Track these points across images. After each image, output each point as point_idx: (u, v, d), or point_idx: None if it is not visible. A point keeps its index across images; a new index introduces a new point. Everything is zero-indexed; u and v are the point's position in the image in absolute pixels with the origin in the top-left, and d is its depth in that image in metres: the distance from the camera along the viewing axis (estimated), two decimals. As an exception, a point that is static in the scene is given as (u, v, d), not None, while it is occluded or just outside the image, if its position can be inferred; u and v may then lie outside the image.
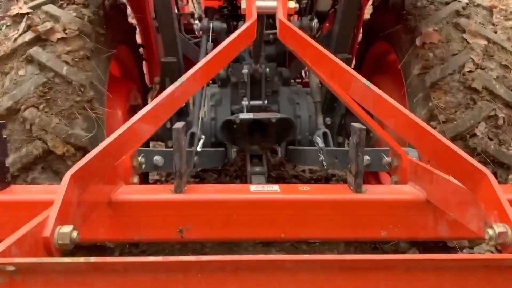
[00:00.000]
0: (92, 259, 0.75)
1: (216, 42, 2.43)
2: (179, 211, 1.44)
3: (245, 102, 2.41)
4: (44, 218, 1.00)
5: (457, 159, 1.19)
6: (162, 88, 2.36)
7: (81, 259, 0.75)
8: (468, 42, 1.96)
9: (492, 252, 2.48)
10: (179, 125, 1.46)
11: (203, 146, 2.08)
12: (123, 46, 2.53)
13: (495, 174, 1.89)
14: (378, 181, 2.69)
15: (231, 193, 1.48)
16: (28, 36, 1.96)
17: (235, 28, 2.81)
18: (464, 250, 2.18)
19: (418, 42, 2.06)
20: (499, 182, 1.86)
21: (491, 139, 1.88)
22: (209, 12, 3.18)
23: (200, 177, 3.46)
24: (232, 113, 2.48)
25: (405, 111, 1.29)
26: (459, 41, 1.98)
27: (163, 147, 2.82)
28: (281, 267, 0.79)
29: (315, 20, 2.44)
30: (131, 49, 2.70)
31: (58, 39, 1.95)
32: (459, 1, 2.06)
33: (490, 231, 1.04)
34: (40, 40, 1.95)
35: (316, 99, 2.56)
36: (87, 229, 1.29)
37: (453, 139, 1.87)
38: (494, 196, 1.09)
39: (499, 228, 1.03)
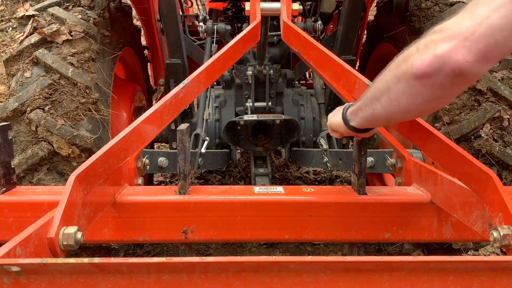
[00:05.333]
0: (96, 259, 0.75)
1: (220, 44, 2.44)
2: (183, 212, 1.44)
3: (249, 104, 2.41)
4: (49, 219, 1.01)
5: (462, 160, 1.18)
6: (167, 90, 2.37)
7: (86, 260, 0.75)
8: (472, 43, 1.95)
9: (497, 254, 2.47)
10: (183, 126, 1.47)
11: (208, 147, 2.08)
12: (128, 48, 2.55)
13: (500, 175, 1.88)
14: (382, 183, 2.68)
15: (235, 194, 1.48)
16: (34, 38, 1.97)
17: (240, 30, 2.82)
18: (469, 252, 2.17)
19: (422, 43, 2.06)
20: (504, 184, 1.86)
21: (496, 141, 1.87)
22: (213, 14, 3.20)
23: (204, 178, 3.47)
24: (236, 115, 2.48)
25: (409, 112, 1.29)
26: (463, 42, 1.97)
27: (167, 148, 2.83)
28: (285, 268, 0.79)
29: (319, 22, 2.44)
30: (136, 51, 2.71)
31: (64, 41, 1.96)
32: (464, 2, 2.06)
33: (495, 233, 1.04)
34: (46, 42, 1.96)
35: (320, 100, 2.56)
36: (92, 230, 1.30)
37: (457, 141, 1.86)
38: (499, 197, 1.08)
39: (504, 230, 1.03)
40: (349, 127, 1.26)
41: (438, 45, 0.89)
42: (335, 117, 1.33)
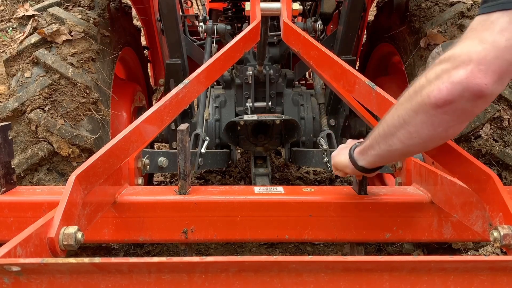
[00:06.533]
0: (97, 259, 0.75)
1: (220, 44, 2.44)
2: (183, 212, 1.44)
3: (249, 104, 2.41)
4: (49, 219, 1.01)
5: (462, 160, 1.18)
6: (167, 90, 2.37)
7: (86, 260, 0.75)
8: (472, 44, 1.95)
9: (497, 254, 2.47)
10: (183, 126, 1.47)
11: (208, 147, 2.08)
12: (128, 48, 2.55)
13: (500, 175, 1.88)
14: (382, 183, 2.69)
15: (235, 194, 1.48)
16: (34, 38, 1.97)
17: (240, 30, 2.82)
18: (469, 252, 2.17)
19: (422, 43, 2.06)
20: (504, 184, 1.86)
21: (496, 141, 1.88)
22: (213, 14, 3.20)
23: (204, 179, 3.47)
24: (236, 115, 2.48)
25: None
26: (463, 43, 1.97)
27: (167, 148, 2.83)
28: (285, 268, 0.79)
29: (319, 22, 2.44)
30: (136, 51, 2.71)
31: (64, 41, 1.96)
32: (464, 2, 2.06)
33: (495, 233, 1.04)
34: (46, 42, 1.96)
35: (320, 100, 2.56)
36: (92, 230, 1.30)
37: (457, 141, 1.86)
38: (499, 197, 1.08)
39: (504, 230, 1.03)
40: (357, 167, 1.26)
41: (452, 73, 0.92)
42: (340, 157, 1.33)
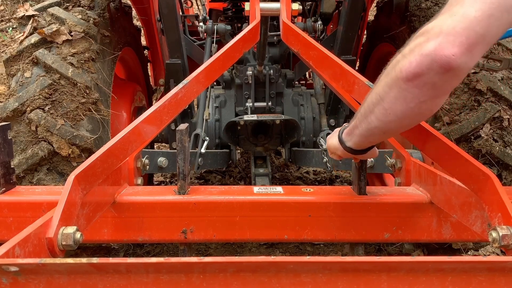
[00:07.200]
0: (95, 259, 0.75)
1: (220, 44, 2.44)
2: (182, 212, 1.44)
3: (249, 104, 2.42)
4: (48, 219, 1.01)
5: (461, 161, 1.18)
6: (167, 90, 2.37)
7: (84, 260, 0.75)
8: (472, 43, 1.95)
9: (497, 254, 2.47)
10: (182, 126, 1.47)
11: (207, 147, 2.08)
12: (128, 48, 2.55)
13: (500, 176, 1.88)
14: (382, 183, 2.68)
15: (234, 194, 1.48)
16: (34, 38, 1.97)
17: (240, 30, 2.82)
18: (469, 252, 2.17)
19: (422, 43, 2.06)
20: (504, 184, 1.86)
21: (496, 141, 1.87)
22: (213, 14, 3.20)
23: (204, 179, 3.47)
24: (236, 115, 2.49)
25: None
26: (463, 42, 1.96)
27: (167, 148, 2.83)
28: (283, 268, 0.79)
29: (319, 22, 2.44)
30: (136, 51, 2.71)
31: (64, 41, 1.96)
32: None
33: (494, 234, 1.04)
34: (46, 42, 1.97)
35: (320, 100, 2.56)
36: (91, 230, 1.30)
37: (457, 141, 1.86)
38: (498, 198, 1.08)
39: (503, 230, 1.03)
40: (346, 148, 1.25)
41: (423, 46, 0.92)
42: (332, 140, 1.32)
